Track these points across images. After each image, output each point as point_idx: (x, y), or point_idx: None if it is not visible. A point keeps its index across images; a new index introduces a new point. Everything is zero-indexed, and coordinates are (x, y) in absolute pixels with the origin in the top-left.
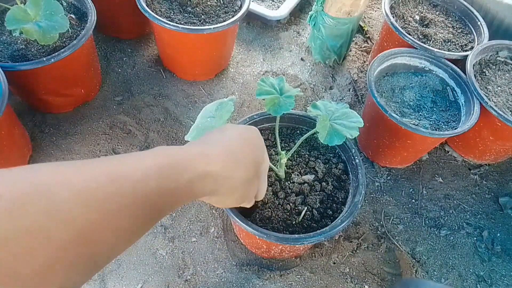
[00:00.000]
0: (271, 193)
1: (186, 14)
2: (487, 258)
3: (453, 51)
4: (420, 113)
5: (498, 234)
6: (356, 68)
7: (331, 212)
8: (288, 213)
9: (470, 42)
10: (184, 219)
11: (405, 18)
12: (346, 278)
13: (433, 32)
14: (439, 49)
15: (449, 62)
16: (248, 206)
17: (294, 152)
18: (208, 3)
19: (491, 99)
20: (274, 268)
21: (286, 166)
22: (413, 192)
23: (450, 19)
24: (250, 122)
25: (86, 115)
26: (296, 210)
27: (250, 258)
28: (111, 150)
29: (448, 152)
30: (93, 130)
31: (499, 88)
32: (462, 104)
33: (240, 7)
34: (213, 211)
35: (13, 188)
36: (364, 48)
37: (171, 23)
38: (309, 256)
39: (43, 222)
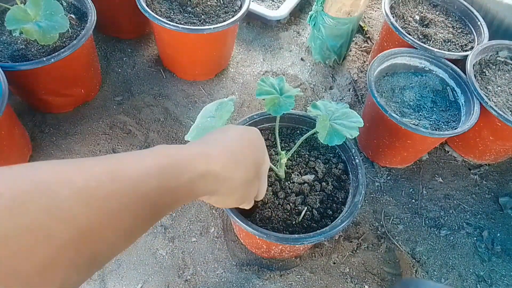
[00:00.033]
0: (271, 193)
1: (186, 14)
2: (487, 258)
3: (453, 51)
4: (420, 113)
5: (498, 234)
6: (356, 68)
7: (331, 212)
8: (288, 213)
9: (470, 42)
10: (184, 219)
11: (405, 18)
12: (346, 278)
13: (433, 32)
14: (439, 49)
15: (449, 62)
16: (248, 207)
17: (294, 152)
18: (208, 3)
19: (491, 99)
20: (274, 268)
21: (286, 166)
22: (413, 192)
23: (450, 19)
24: (250, 122)
25: (86, 115)
26: (296, 210)
27: (250, 258)
28: (111, 150)
29: (448, 152)
30: (93, 130)
31: (499, 88)
32: (462, 104)
33: (240, 7)
34: (213, 211)
35: (14, 186)
36: (364, 48)
37: (171, 23)
38: (309, 256)
39: (43, 221)
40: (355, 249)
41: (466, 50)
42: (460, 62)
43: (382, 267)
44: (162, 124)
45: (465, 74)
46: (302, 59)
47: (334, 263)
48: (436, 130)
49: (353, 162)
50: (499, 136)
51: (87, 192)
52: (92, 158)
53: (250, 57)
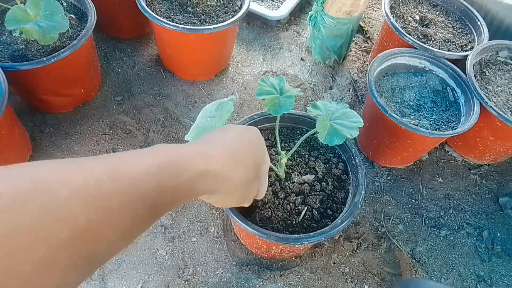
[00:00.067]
0: (271, 193)
1: (186, 14)
2: (487, 258)
3: (453, 51)
4: (420, 113)
5: (498, 234)
6: (356, 68)
7: (331, 212)
8: (288, 213)
9: (470, 42)
10: (184, 219)
11: (405, 18)
12: (346, 278)
13: (433, 32)
14: (439, 49)
15: (449, 62)
16: (247, 205)
17: (294, 152)
18: (208, 3)
19: (491, 99)
20: (274, 268)
21: (286, 166)
22: (413, 192)
23: (450, 19)
24: (250, 122)
25: (86, 115)
26: (296, 210)
27: (250, 258)
28: (111, 150)
29: (448, 152)
30: (93, 130)
31: (499, 88)
32: (462, 104)
33: (240, 7)
34: (213, 211)
35: (13, 185)
36: (364, 48)
37: (171, 23)
38: (309, 256)
39: (42, 220)
40: (355, 249)
41: (466, 50)
42: (460, 62)
43: (382, 267)
44: (162, 124)
45: (465, 74)
46: (302, 59)
47: (334, 263)
48: (436, 130)
49: (353, 162)
50: (499, 136)
51: (86, 191)
52: (92, 157)
53: (250, 57)
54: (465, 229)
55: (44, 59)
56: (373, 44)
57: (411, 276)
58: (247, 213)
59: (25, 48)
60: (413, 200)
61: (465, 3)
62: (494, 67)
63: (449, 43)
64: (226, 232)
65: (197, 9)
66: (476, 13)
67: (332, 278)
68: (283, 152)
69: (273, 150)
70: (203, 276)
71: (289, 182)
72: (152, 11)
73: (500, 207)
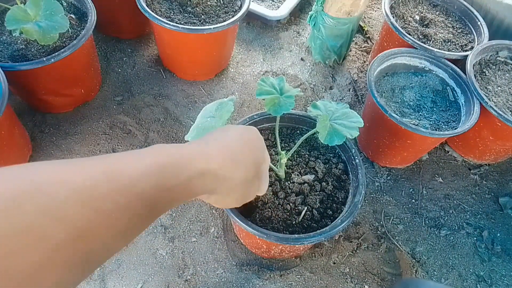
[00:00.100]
0: (271, 193)
1: (186, 14)
2: (487, 258)
3: (453, 51)
4: (420, 113)
5: (498, 234)
6: (356, 68)
7: (331, 212)
8: (288, 213)
9: (470, 42)
10: (184, 219)
11: (405, 18)
12: (346, 278)
13: (433, 32)
14: (439, 49)
15: (449, 62)
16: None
17: (294, 152)
18: (208, 3)
19: (491, 99)
20: (274, 268)
21: (286, 166)
22: (413, 192)
23: (450, 19)
24: (250, 122)
25: (86, 115)
26: (296, 210)
27: (250, 258)
28: (111, 150)
29: (448, 152)
30: (93, 130)
31: (499, 88)
32: (462, 104)
33: (240, 7)
34: (213, 211)
35: (11, 186)
36: (364, 48)
37: (171, 23)
38: (309, 256)
39: (39, 221)
40: (355, 249)
41: (466, 50)
42: (460, 62)
43: (382, 267)
44: (162, 124)
45: (465, 74)
46: (302, 59)
47: (334, 263)
48: (436, 130)
49: (353, 162)
50: (499, 136)
51: (83, 192)
52: (90, 157)
53: (250, 57)
54: (465, 229)
55: (44, 59)
56: (373, 44)
57: (411, 276)
58: (247, 213)
59: (25, 48)
60: (413, 200)
61: (465, 3)
62: (494, 67)
63: (449, 43)
64: (226, 232)
65: (197, 9)
66: (476, 13)
67: (332, 278)
68: (283, 152)
69: (273, 150)
70: (203, 276)
71: (289, 182)
72: (152, 11)
73: (500, 207)
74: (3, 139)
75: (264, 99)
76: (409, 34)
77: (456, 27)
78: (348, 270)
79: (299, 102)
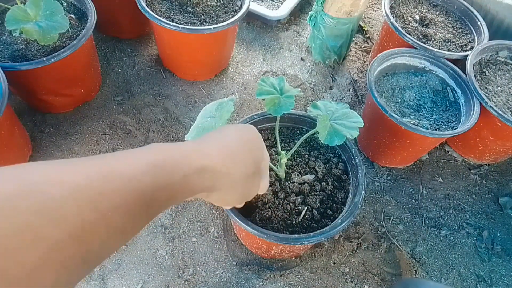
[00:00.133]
0: (271, 193)
1: (186, 14)
2: (487, 258)
3: (453, 51)
4: (420, 113)
5: (498, 234)
6: (356, 68)
7: (331, 212)
8: (288, 213)
9: (470, 42)
10: (184, 219)
11: (405, 18)
12: (346, 278)
13: (433, 32)
14: (439, 49)
15: (449, 62)
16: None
17: (294, 152)
18: (208, 3)
19: (491, 99)
20: (274, 268)
21: (286, 166)
22: (413, 192)
23: (450, 19)
24: (250, 122)
25: (86, 115)
26: (296, 210)
27: (250, 258)
28: (111, 150)
29: (448, 152)
30: (93, 130)
31: (499, 88)
32: (462, 104)
33: (240, 7)
34: (213, 211)
35: (8, 186)
36: (364, 48)
37: (171, 23)
38: (309, 256)
39: (34, 221)
40: (355, 249)
41: (466, 50)
42: (460, 62)
43: (382, 267)
44: (162, 124)
45: (465, 74)
46: (302, 59)
47: (334, 263)
48: (436, 130)
49: (353, 162)
50: (499, 136)
51: (78, 192)
52: (87, 157)
53: (250, 57)
54: (465, 229)
55: (44, 59)
56: (373, 44)
57: (411, 276)
58: (247, 213)
59: (25, 48)
60: (413, 200)
61: (465, 3)
62: (494, 67)
63: (449, 43)
64: (226, 232)
65: (197, 9)
66: (476, 13)
67: (332, 278)
68: (283, 152)
69: (273, 150)
70: (203, 276)
71: (289, 182)
72: (152, 11)
73: (500, 207)
74: (3, 139)
75: (264, 99)
76: (409, 34)
77: (456, 27)
78: (348, 270)
79: (299, 102)
